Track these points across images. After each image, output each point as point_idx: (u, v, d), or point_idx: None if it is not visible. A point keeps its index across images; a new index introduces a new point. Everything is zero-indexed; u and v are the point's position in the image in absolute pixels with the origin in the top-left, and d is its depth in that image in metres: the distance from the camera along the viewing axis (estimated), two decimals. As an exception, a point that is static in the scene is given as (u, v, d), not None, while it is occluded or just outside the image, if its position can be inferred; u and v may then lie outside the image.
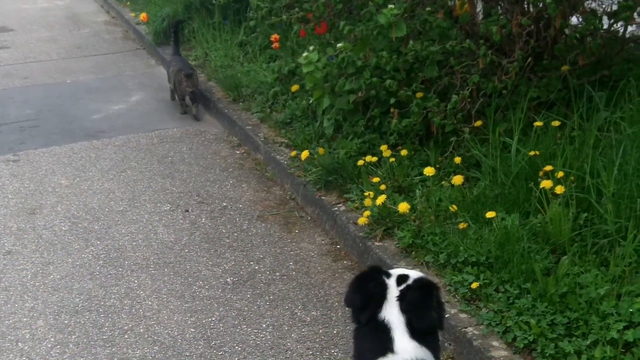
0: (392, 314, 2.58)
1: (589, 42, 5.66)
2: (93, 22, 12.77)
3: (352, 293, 2.72)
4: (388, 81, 5.51)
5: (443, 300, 2.81)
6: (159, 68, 10.02)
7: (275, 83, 7.55)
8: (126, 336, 4.42)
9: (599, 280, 3.90)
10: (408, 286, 2.66)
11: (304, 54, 5.87)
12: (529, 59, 5.43)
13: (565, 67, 5.53)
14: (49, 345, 4.34)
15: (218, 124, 7.85)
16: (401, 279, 2.72)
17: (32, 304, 4.75)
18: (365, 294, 2.64)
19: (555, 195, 4.41)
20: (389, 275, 2.75)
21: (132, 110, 8.38)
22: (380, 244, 4.90)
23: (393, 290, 2.65)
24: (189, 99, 7.97)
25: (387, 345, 2.52)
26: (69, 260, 5.26)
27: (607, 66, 5.77)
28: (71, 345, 4.34)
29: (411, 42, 5.59)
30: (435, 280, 2.91)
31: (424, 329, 2.59)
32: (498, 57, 5.45)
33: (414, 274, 2.78)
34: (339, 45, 5.83)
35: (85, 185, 6.44)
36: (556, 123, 5.06)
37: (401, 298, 2.61)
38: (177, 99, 8.37)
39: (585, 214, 4.40)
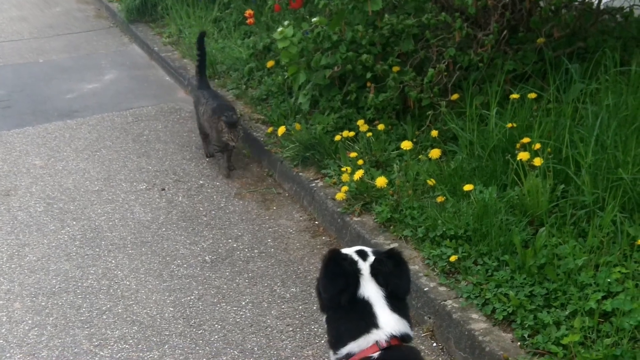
0: (370, 289, 2.57)
1: (563, 14, 5.66)
2: (64, 1, 12.56)
3: (332, 278, 2.64)
4: (364, 55, 5.48)
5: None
6: (133, 46, 9.90)
7: (251, 59, 7.49)
8: (104, 317, 4.38)
9: (576, 251, 3.91)
10: (377, 260, 2.65)
11: (279, 29, 5.81)
12: (505, 32, 5.42)
13: (540, 40, 5.52)
14: (27, 328, 4.30)
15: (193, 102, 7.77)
16: (362, 254, 2.70)
17: (8, 287, 4.70)
18: (344, 275, 2.61)
19: (533, 167, 4.41)
20: (347, 255, 2.72)
21: (106, 89, 8.27)
22: (358, 219, 4.89)
23: (364, 267, 2.63)
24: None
25: (370, 321, 2.52)
26: (45, 241, 5.20)
27: (582, 38, 5.78)
28: (49, 327, 4.30)
29: (387, 15, 5.55)
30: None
31: (407, 294, 2.65)
32: (474, 30, 5.43)
33: (367, 248, 2.78)
34: (314, 19, 5.78)
35: (60, 166, 6.37)
36: (532, 95, 5.05)
37: (375, 272, 2.61)
38: (207, 147, 6.45)
39: (563, 186, 4.40)
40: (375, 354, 2.46)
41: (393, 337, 2.49)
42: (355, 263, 2.64)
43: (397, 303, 2.58)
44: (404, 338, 2.53)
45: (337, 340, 2.59)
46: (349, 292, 2.58)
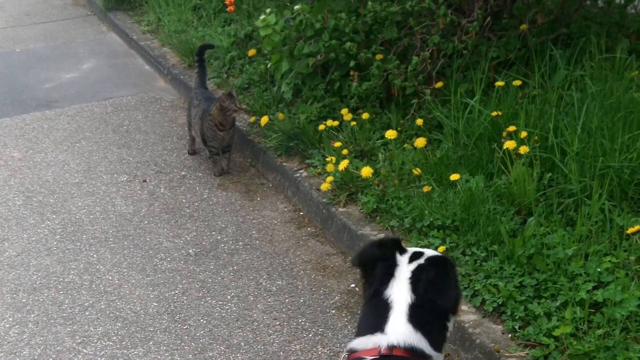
0: (397, 292, 2.43)
1: (546, 0, 5.61)
2: (40, -12, 12.41)
3: (357, 258, 2.59)
4: (348, 43, 5.41)
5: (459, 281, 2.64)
6: (111, 34, 9.77)
7: (232, 47, 7.39)
8: (87, 313, 4.30)
9: (565, 241, 3.87)
10: (420, 265, 2.48)
11: (261, 17, 5.72)
12: (488, 19, 5.37)
13: (524, 26, 5.48)
14: (7, 325, 4.21)
15: (173, 91, 7.68)
16: (415, 256, 2.55)
17: (-12, 283, 4.62)
18: (379, 272, 2.50)
19: (519, 156, 4.37)
20: (403, 252, 2.57)
21: (84, 79, 8.15)
22: (344, 209, 4.83)
23: (404, 269, 2.49)
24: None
25: (379, 324, 2.38)
26: (25, 235, 5.10)
27: (565, 24, 5.74)
28: (30, 324, 4.21)
29: (370, 3, 5.48)
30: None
31: (448, 307, 2.46)
32: (458, 16, 5.37)
33: (428, 251, 2.61)
34: (296, 7, 5.70)
35: (39, 158, 6.26)
36: (517, 82, 5.00)
37: (415, 279, 2.43)
38: (191, 145, 6.27)
39: (550, 174, 4.36)
40: (369, 358, 2.33)
41: (395, 347, 2.32)
42: (393, 260, 2.52)
43: (424, 316, 2.40)
44: (413, 352, 2.34)
45: (357, 331, 2.50)
46: (373, 287, 2.48)
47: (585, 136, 4.40)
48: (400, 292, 2.43)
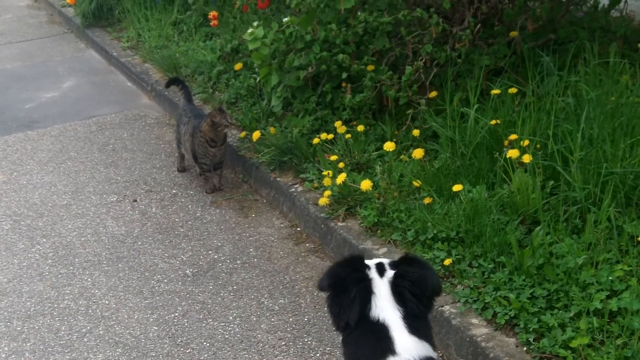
0: (386, 310, 2.38)
1: (536, 6, 5.58)
2: (15, 7, 12.19)
3: (340, 299, 2.46)
4: (341, 55, 5.33)
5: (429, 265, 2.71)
6: (90, 51, 9.62)
7: (218, 62, 7.28)
8: (85, 339, 4.17)
9: (574, 250, 3.81)
10: (396, 274, 2.46)
11: (249, 30, 5.62)
12: (478, 26, 5.33)
13: (514, 33, 5.44)
14: (3, 355, 4.07)
15: (158, 107, 7.55)
16: (381, 267, 2.51)
17: (-21, 311, 4.47)
18: (354, 296, 2.41)
19: (521, 164, 4.31)
20: (367, 267, 2.52)
21: (65, 97, 8.00)
22: (343, 224, 4.74)
23: (379, 284, 2.44)
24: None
25: (386, 347, 2.32)
26: (15, 261, 4.96)
27: (552, 30, 5.72)
28: (27, 354, 4.08)
29: (360, 13, 5.41)
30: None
31: (439, 290, 2.53)
32: (449, 24, 5.32)
33: (385, 260, 2.59)
34: (285, 19, 5.62)
35: (24, 180, 6.11)
36: (513, 90, 4.95)
37: (397, 291, 2.42)
38: (180, 162, 6.15)
39: (552, 182, 4.31)
40: None
41: None
42: (368, 281, 2.45)
43: (417, 323, 2.39)
44: None
45: None
46: (354, 311, 2.39)
47: (586, 143, 4.35)
48: (389, 309, 2.40)
